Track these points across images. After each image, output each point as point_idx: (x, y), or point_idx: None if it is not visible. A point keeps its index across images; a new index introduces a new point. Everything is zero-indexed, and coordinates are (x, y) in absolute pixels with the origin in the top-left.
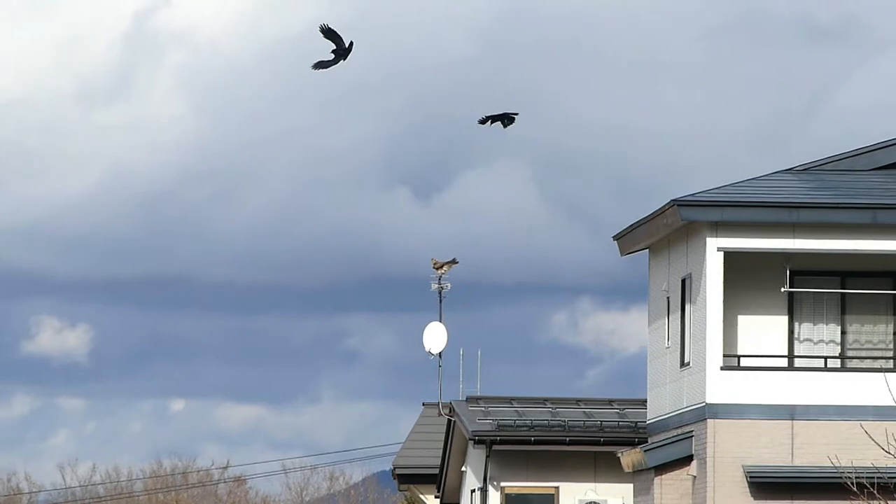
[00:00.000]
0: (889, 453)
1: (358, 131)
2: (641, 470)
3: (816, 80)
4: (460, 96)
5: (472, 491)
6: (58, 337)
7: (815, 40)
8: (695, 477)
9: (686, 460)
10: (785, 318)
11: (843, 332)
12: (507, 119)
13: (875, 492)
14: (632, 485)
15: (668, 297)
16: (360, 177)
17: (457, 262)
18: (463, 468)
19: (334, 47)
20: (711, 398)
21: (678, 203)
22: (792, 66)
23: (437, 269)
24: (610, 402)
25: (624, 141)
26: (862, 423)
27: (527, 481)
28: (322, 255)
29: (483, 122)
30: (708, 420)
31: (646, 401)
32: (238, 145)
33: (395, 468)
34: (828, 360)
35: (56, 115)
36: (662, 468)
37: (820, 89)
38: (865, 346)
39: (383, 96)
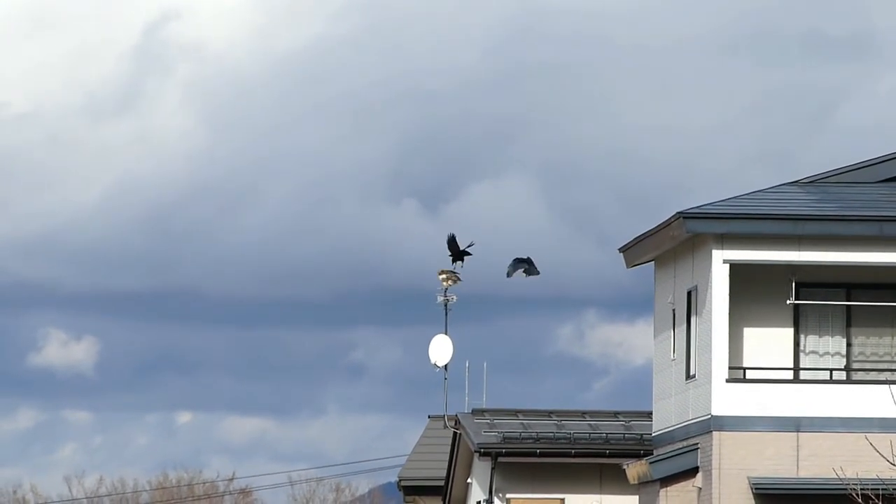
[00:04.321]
0: (894, 465)
1: (365, 143)
2: (647, 482)
3: (823, 95)
4: (468, 109)
5: (478, 503)
6: (64, 349)
7: (823, 56)
8: (700, 489)
9: (691, 472)
10: (790, 331)
11: (849, 345)
12: (532, 269)
13: (880, 503)
14: (637, 497)
15: (673, 310)
16: (367, 189)
17: (459, 278)
18: (468, 480)
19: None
20: (717, 410)
21: (684, 215)
22: (799, 81)
23: (445, 281)
24: (615, 414)
25: (631, 153)
26: (867, 435)
27: (532, 493)
28: (328, 268)
29: (516, 267)
30: (713, 432)
31: (651, 413)
32: (245, 158)
33: (400, 480)
34: (833, 372)
35: (64, 129)
36: (668, 480)
37: (826, 104)
38: (871, 359)
39: (391, 108)
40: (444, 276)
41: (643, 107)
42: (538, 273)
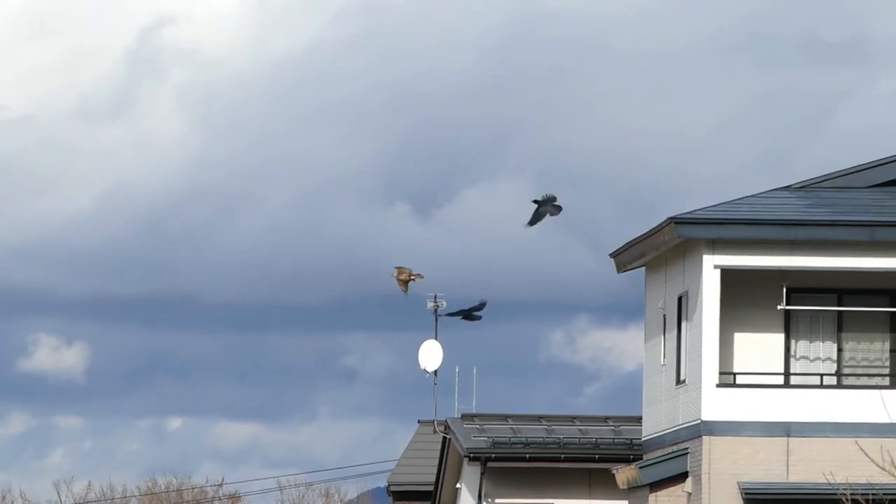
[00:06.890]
0: (884, 470)
1: (360, 148)
2: (636, 487)
3: (819, 99)
4: (464, 113)
5: None
6: (55, 355)
7: (819, 60)
8: (690, 494)
9: (681, 477)
10: (781, 336)
11: (840, 350)
12: (553, 208)
13: None
14: (626, 502)
15: (664, 315)
16: (360, 194)
17: (420, 277)
18: (458, 485)
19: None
20: (707, 415)
21: (675, 220)
22: (795, 86)
23: (404, 278)
24: (605, 419)
25: (626, 157)
26: (857, 440)
27: (522, 498)
28: (319, 273)
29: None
30: (703, 437)
31: (641, 418)
32: (240, 164)
33: (389, 485)
34: (824, 377)
35: (59, 133)
36: (657, 485)
37: (822, 108)
38: (861, 364)
39: (386, 113)
40: (402, 276)
41: (639, 111)
42: (561, 208)
